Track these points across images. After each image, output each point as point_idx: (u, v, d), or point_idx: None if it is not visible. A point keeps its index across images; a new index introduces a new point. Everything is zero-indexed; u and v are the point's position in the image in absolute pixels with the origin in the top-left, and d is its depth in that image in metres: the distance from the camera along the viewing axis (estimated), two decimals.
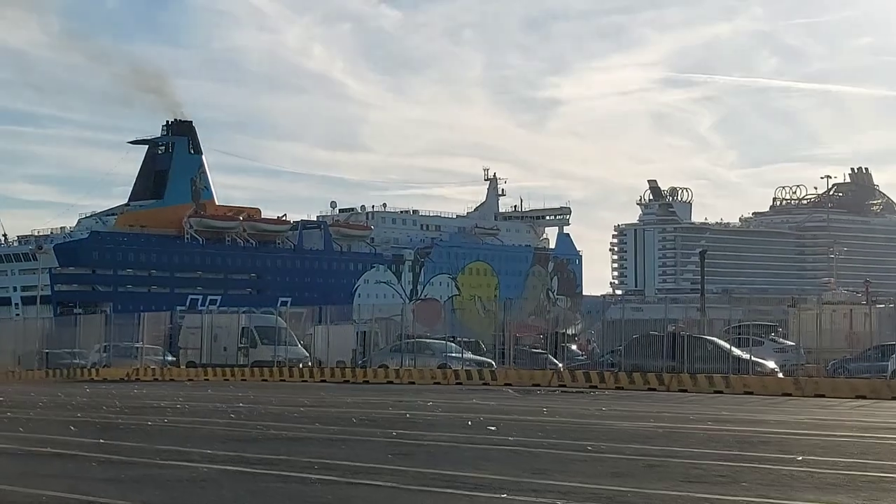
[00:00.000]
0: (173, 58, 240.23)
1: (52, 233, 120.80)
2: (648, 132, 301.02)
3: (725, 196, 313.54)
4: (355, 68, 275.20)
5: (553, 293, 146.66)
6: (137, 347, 53.33)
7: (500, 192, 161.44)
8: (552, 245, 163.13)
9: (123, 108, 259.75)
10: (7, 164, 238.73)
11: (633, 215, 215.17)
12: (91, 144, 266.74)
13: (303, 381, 46.20)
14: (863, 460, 15.76)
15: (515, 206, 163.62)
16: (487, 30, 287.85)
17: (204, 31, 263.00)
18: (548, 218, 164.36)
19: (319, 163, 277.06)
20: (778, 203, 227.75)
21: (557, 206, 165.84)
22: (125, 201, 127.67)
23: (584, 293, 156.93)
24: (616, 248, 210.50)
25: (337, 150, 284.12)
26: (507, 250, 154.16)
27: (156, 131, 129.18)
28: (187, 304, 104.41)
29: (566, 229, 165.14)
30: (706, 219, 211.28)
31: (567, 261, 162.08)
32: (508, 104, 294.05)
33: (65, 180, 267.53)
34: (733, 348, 39.74)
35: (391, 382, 43.62)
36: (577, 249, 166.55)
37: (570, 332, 57.78)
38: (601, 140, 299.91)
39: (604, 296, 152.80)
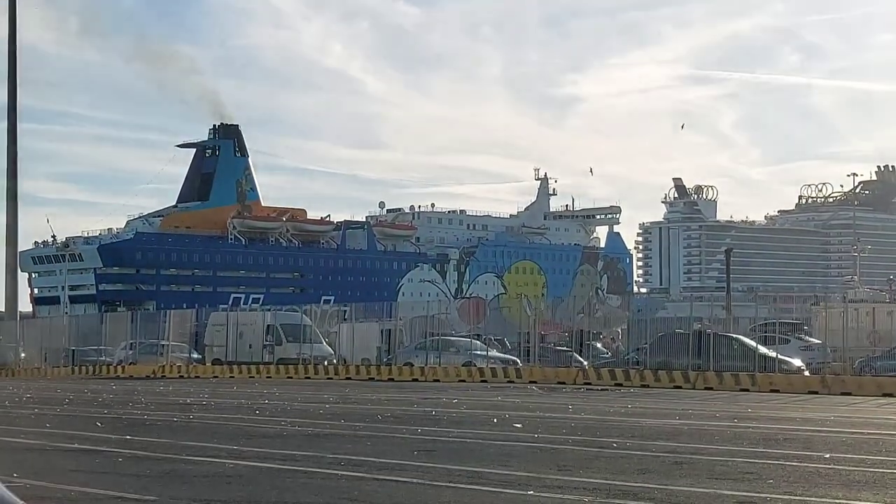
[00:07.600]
0: (191, 55, 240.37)
1: (100, 234, 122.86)
2: (670, 130, 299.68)
3: (748, 194, 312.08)
4: (374, 66, 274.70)
5: (603, 292, 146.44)
6: (163, 345, 53.66)
7: (551, 192, 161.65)
8: (602, 244, 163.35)
9: (152, 106, 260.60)
10: (29, 161, 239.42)
11: (655, 213, 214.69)
12: (115, 143, 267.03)
13: (328, 378, 46.35)
14: (891, 458, 15.67)
15: (567, 206, 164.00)
16: (506, 26, 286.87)
17: (221, 28, 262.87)
18: (598, 217, 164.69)
19: (339, 160, 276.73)
20: (804, 201, 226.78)
21: (608, 205, 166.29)
22: (173, 202, 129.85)
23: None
24: (641, 247, 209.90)
25: (357, 147, 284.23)
26: (555, 249, 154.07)
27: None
28: (230, 302, 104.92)
29: (616, 228, 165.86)
30: (731, 217, 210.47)
31: (617, 259, 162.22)
32: (528, 101, 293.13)
33: (87, 178, 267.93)
34: (759, 346, 39.61)
35: (416, 380, 43.68)
36: (628, 248, 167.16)
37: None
38: (622, 137, 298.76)
39: (631, 294, 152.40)
